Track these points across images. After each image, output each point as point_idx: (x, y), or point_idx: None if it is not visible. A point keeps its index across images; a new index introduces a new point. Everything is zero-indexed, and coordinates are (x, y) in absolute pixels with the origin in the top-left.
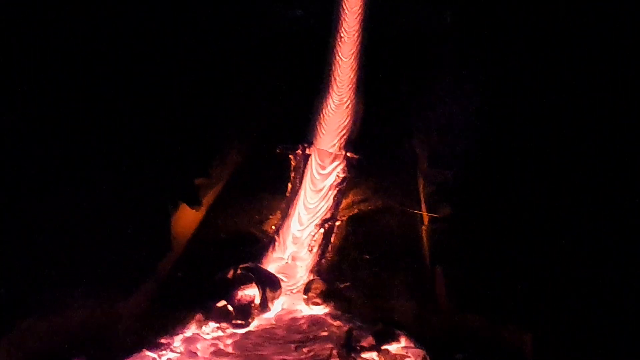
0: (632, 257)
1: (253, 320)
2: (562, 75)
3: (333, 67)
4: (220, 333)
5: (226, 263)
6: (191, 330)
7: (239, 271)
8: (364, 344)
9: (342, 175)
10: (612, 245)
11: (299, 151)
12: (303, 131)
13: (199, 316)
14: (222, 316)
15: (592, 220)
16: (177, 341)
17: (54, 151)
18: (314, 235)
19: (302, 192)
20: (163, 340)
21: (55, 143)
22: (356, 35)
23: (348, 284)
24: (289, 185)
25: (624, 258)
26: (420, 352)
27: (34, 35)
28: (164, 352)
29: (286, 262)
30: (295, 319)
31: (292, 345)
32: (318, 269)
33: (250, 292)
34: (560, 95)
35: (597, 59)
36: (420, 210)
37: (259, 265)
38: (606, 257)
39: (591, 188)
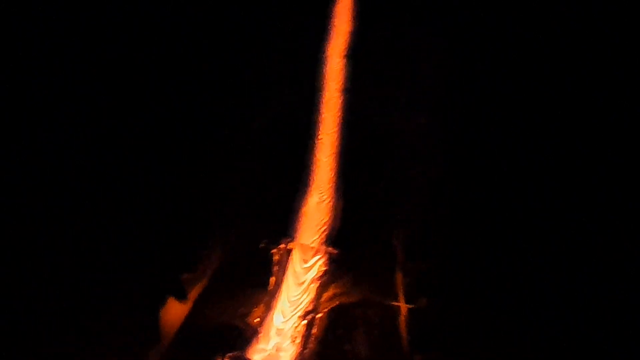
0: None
1: None
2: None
3: (313, 167)
4: None
5: (212, 354)
6: None
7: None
8: None
9: (323, 269)
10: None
11: (282, 246)
12: (285, 227)
13: None
14: None
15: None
16: None
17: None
18: (296, 327)
19: (284, 286)
20: None
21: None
22: (334, 137)
23: None
24: (272, 278)
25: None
26: None
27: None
28: None
29: (270, 353)
30: None
31: None
32: (301, 359)
33: None
34: (539, 181)
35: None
36: (398, 301)
37: (245, 355)
38: (593, 324)
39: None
